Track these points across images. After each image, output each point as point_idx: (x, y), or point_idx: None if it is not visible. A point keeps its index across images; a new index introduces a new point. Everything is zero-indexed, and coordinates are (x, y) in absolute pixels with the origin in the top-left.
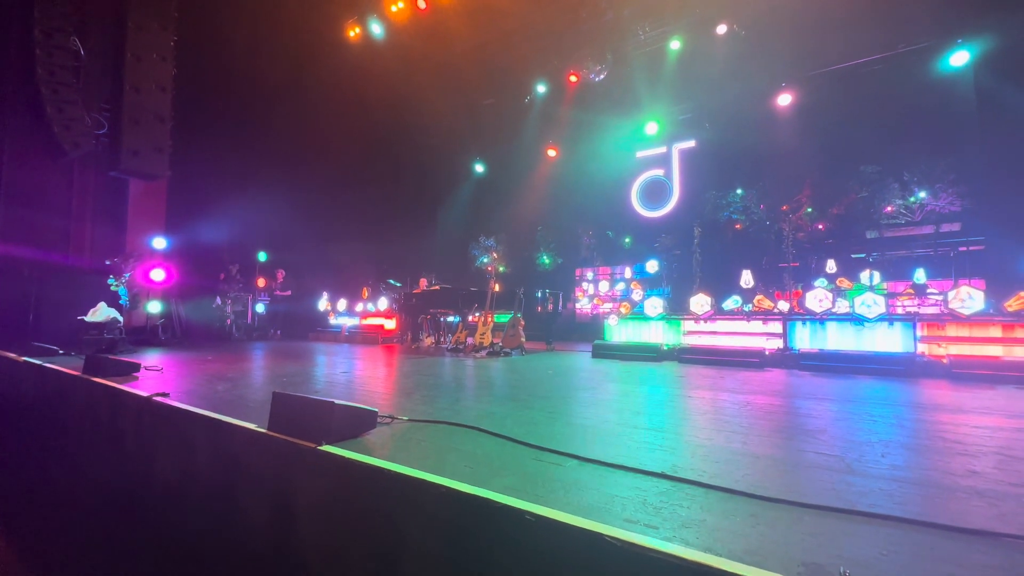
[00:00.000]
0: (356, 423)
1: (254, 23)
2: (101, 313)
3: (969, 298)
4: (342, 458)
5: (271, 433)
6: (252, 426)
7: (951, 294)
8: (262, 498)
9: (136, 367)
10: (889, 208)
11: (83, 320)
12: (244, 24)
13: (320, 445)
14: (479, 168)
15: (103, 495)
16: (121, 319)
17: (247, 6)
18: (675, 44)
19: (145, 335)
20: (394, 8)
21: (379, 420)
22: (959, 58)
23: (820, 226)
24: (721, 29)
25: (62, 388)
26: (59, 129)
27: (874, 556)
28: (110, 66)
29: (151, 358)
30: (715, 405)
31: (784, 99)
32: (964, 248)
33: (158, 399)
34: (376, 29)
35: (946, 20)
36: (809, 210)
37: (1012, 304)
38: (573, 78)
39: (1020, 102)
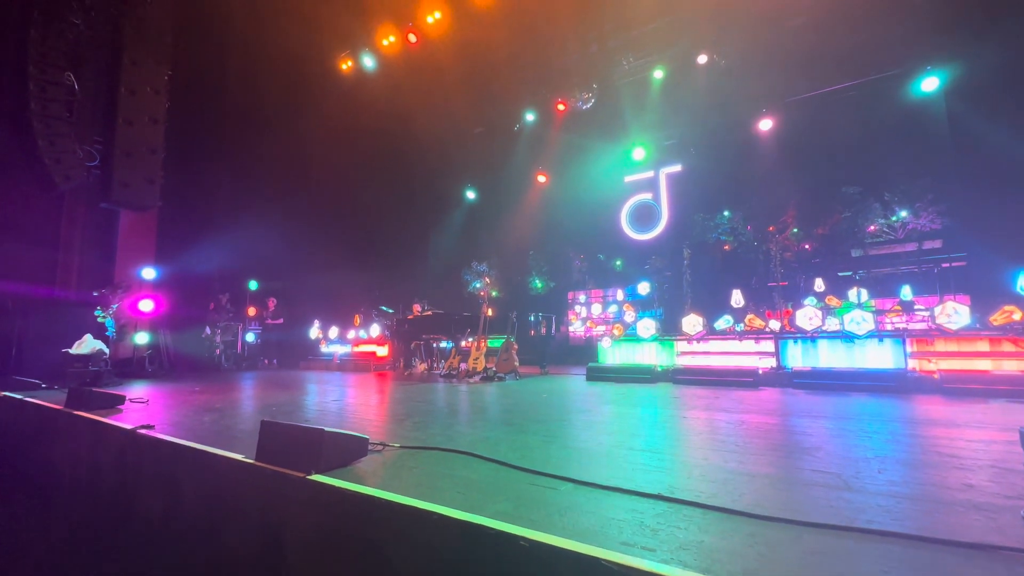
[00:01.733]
0: (346, 451)
1: (249, 58)
2: (87, 345)
3: (955, 313)
4: (332, 487)
5: (258, 463)
6: (239, 457)
7: (937, 310)
8: (250, 530)
9: (121, 399)
10: (872, 227)
11: (68, 352)
12: (239, 58)
13: (309, 474)
14: (470, 194)
15: (82, 532)
16: (107, 351)
17: (243, 41)
18: (658, 73)
19: (132, 367)
20: (386, 42)
21: (370, 447)
22: (929, 83)
23: (806, 246)
24: (702, 59)
25: (43, 423)
26: (50, 162)
27: (874, 573)
28: (104, 99)
29: (137, 390)
30: (711, 425)
31: (765, 124)
32: (947, 264)
33: (143, 431)
34: (368, 62)
35: (914, 49)
36: (795, 230)
37: (997, 318)
38: (561, 106)
39: (988, 124)
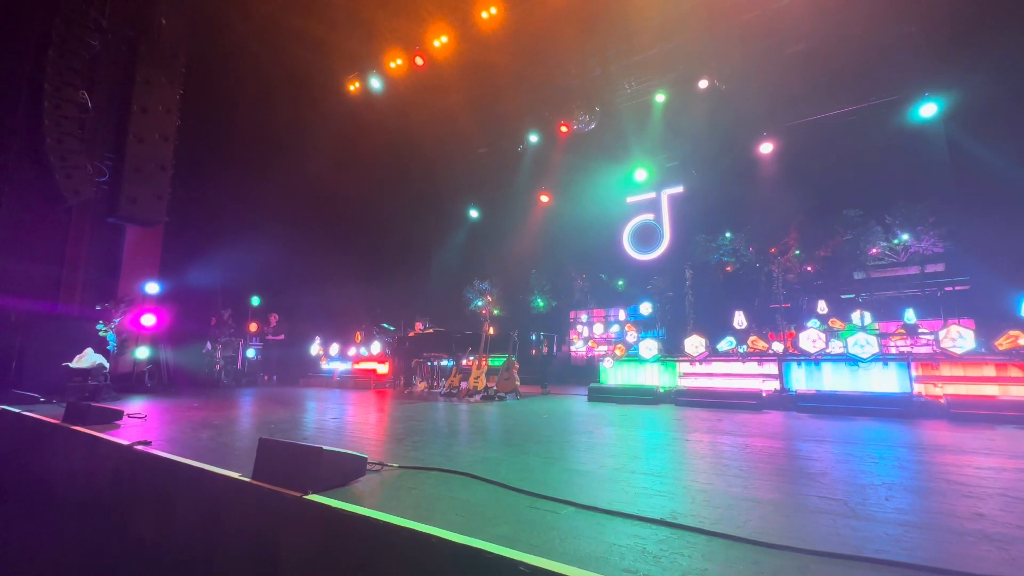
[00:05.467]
0: (345, 470)
1: (258, 78)
2: (87, 359)
3: (960, 337)
4: (329, 507)
5: (255, 482)
6: (235, 475)
7: (942, 334)
8: (245, 550)
9: (119, 414)
10: (874, 250)
11: (68, 366)
12: (249, 79)
13: (306, 494)
14: (473, 213)
15: (75, 549)
16: (107, 365)
17: (253, 63)
18: (660, 97)
19: (131, 382)
20: (393, 64)
21: (369, 467)
22: (928, 109)
23: (808, 268)
24: (703, 84)
25: (40, 437)
26: (60, 177)
27: None
28: (116, 117)
29: (135, 405)
30: (714, 448)
31: (766, 147)
32: (950, 288)
33: (139, 447)
34: (375, 84)
35: (912, 76)
36: (797, 252)
37: (1003, 343)
38: (564, 128)
39: (987, 150)
